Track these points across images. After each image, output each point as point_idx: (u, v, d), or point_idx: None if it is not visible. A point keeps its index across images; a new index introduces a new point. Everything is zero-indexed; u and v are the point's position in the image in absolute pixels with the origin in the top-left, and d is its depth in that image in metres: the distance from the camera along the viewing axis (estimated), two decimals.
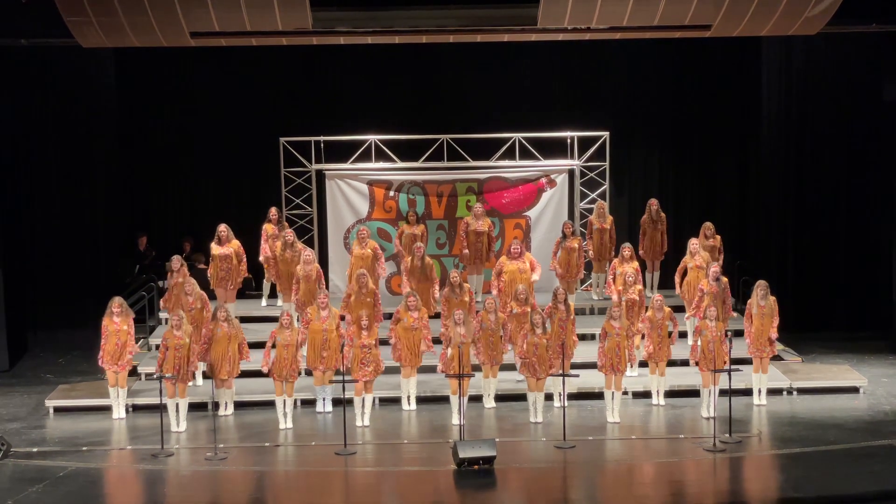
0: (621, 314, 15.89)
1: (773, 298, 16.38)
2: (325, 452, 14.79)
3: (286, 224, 18.91)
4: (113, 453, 14.89)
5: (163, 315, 18.16)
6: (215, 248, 18.00)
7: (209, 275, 18.14)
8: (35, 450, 14.91)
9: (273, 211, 18.90)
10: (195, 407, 16.09)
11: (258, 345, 16.65)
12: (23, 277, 19.88)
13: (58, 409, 16.53)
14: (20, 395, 17.51)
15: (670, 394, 16.48)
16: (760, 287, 16.34)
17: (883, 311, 20.15)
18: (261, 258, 18.74)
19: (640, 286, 17.14)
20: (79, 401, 16.67)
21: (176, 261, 17.28)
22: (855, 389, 17.03)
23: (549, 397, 16.06)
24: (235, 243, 18.05)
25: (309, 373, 16.42)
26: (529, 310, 16.18)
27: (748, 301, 16.53)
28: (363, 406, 15.74)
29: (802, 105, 20.34)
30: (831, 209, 20.52)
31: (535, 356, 15.59)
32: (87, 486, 13.62)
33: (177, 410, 15.57)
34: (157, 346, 16.62)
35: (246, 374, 16.39)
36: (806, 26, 17.31)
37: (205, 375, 16.49)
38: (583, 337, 17.04)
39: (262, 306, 19.02)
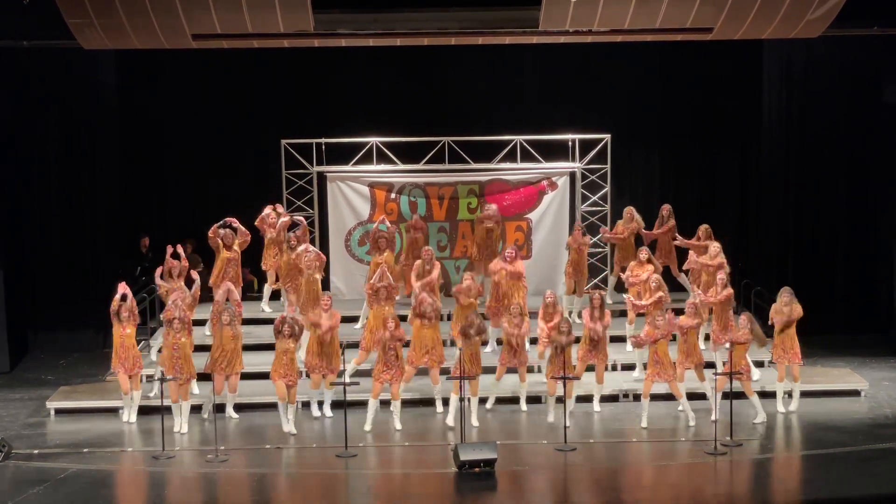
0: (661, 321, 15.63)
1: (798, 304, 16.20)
2: (326, 455, 14.79)
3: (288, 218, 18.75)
4: (114, 455, 14.89)
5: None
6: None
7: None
8: (36, 451, 14.90)
9: (279, 208, 18.79)
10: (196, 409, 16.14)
11: (259, 347, 16.72)
12: (23, 279, 19.88)
13: (59, 411, 16.53)
14: (21, 397, 17.50)
15: (669, 396, 16.43)
16: (786, 293, 16.13)
17: (884, 314, 20.16)
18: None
19: (662, 293, 16.82)
20: (80, 402, 16.68)
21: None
22: (856, 392, 17.02)
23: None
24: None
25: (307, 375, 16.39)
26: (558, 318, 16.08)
27: (773, 305, 16.32)
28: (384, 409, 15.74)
29: (803, 107, 20.36)
30: (832, 211, 20.53)
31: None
32: (87, 487, 13.60)
33: (180, 413, 15.57)
34: (160, 349, 16.53)
35: (248, 376, 16.38)
36: (807, 30, 17.33)
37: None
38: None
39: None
